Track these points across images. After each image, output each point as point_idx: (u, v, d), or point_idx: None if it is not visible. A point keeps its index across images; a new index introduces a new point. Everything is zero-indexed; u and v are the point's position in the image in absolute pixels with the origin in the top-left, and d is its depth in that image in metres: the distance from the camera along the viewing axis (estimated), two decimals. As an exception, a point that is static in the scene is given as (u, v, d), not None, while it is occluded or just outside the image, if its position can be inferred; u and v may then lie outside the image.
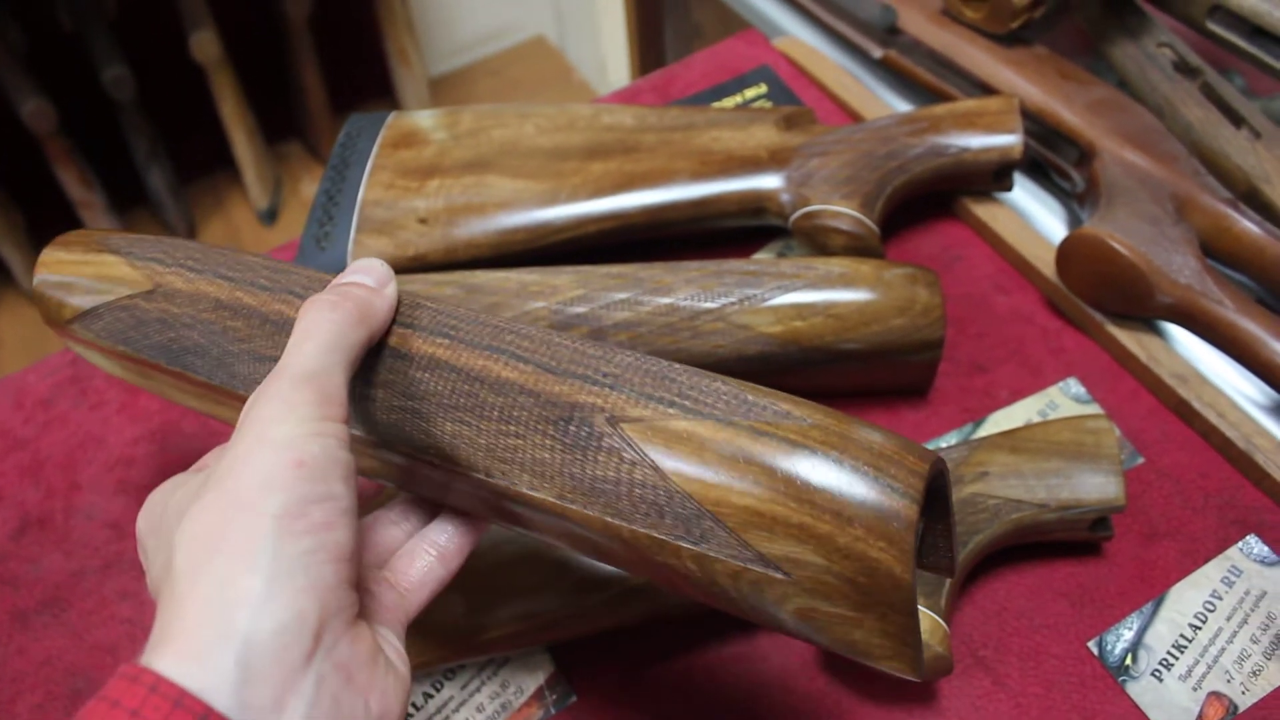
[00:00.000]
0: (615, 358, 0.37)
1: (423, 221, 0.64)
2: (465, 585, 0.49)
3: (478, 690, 0.52)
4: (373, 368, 0.39)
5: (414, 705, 0.52)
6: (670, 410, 0.35)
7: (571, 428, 0.35)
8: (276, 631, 0.29)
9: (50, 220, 1.68)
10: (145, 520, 0.38)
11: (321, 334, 0.35)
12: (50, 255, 0.48)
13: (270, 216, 1.75)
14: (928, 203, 0.68)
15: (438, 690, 0.52)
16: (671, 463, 0.34)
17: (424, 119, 0.69)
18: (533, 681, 0.52)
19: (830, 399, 0.59)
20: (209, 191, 1.84)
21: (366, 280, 0.38)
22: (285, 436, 0.31)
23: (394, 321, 0.39)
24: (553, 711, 0.51)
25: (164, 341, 0.44)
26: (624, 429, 0.35)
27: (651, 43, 1.10)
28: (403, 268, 0.63)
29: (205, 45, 1.55)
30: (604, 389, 0.36)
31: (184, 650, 0.28)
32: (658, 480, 0.34)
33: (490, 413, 0.37)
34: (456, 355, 0.38)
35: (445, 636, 0.50)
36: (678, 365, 0.37)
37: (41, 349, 1.65)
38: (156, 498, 0.39)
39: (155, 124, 1.66)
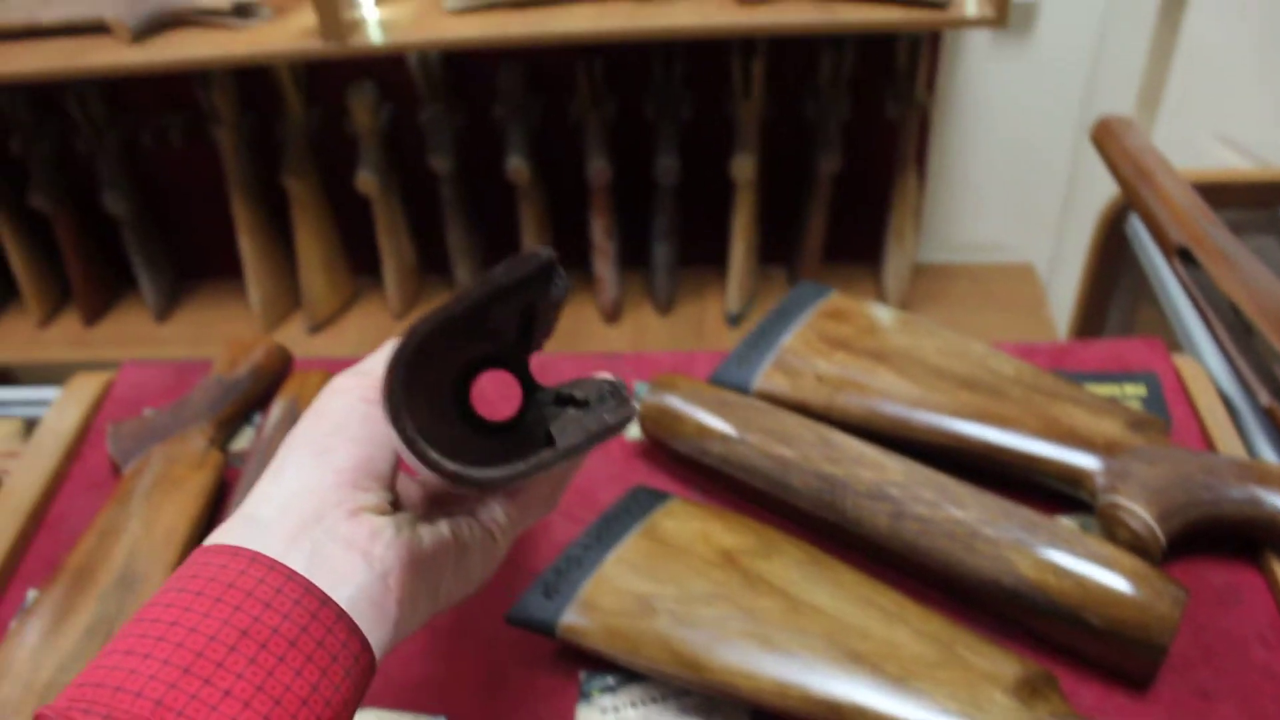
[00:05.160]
0: None
1: (819, 379, 0.82)
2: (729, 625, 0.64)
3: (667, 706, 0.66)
4: None
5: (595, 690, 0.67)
6: None
7: None
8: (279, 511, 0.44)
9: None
10: None
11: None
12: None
13: (734, 321, 2.04)
14: (1236, 537, 0.75)
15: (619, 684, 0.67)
16: None
17: (856, 305, 0.88)
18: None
19: (1058, 651, 0.69)
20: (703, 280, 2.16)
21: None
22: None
23: None
24: (734, 761, 0.65)
25: None
26: None
27: (1096, 309, 1.21)
28: (787, 403, 0.81)
29: (742, 167, 1.85)
30: None
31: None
32: None
33: None
34: None
35: (673, 654, 0.63)
36: None
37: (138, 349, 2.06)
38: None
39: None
